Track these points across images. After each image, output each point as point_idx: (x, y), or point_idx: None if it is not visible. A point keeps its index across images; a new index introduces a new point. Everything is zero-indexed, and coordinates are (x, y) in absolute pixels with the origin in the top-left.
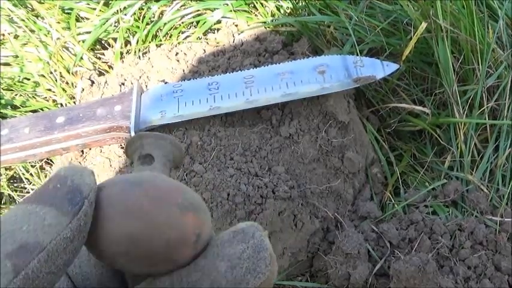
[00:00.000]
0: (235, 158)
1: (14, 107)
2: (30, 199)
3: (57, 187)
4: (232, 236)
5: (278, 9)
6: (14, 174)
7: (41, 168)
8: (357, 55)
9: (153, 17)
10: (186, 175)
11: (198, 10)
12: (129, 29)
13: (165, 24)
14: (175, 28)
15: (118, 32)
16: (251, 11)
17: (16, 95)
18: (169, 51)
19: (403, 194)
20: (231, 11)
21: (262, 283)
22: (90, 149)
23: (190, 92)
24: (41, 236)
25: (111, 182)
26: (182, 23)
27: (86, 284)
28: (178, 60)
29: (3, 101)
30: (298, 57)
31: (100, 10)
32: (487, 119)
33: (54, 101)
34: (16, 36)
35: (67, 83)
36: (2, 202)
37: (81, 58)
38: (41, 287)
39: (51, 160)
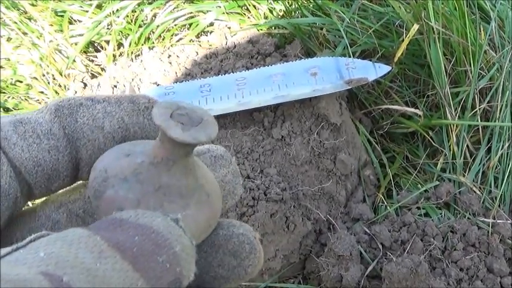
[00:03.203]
0: None
1: (7, 110)
2: (135, 258)
3: (165, 267)
4: (214, 160)
5: (271, 12)
6: None
7: None
8: (349, 57)
9: (146, 20)
10: None
11: (191, 12)
12: (121, 32)
13: (157, 26)
14: (168, 30)
15: (111, 34)
16: (244, 14)
17: (8, 97)
18: (162, 53)
19: (396, 196)
20: (223, 13)
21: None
22: None
23: (183, 94)
24: None
25: None
26: (175, 25)
27: (37, 169)
28: (170, 63)
29: None
30: (291, 59)
31: (93, 12)
32: (479, 120)
33: (46, 103)
34: (9, 39)
35: (59, 85)
36: None
37: (74, 61)
38: None
39: None
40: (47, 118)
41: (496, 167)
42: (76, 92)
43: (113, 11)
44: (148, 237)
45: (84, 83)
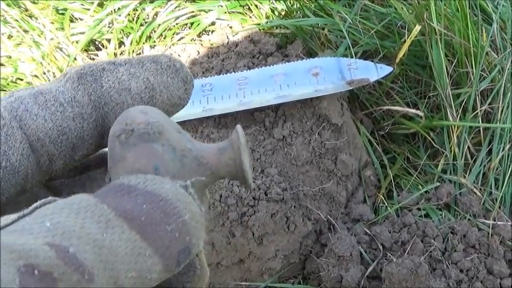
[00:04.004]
0: None
1: None
2: (143, 227)
3: (174, 236)
4: None
5: (272, 11)
6: None
7: None
8: (351, 57)
9: (147, 18)
10: None
11: (193, 11)
12: (123, 30)
13: (159, 25)
14: (170, 29)
15: (112, 32)
16: (245, 13)
17: None
18: (163, 52)
19: (396, 196)
20: (225, 12)
21: None
22: None
23: None
24: (139, 286)
25: None
26: (176, 24)
27: (62, 138)
28: None
29: None
30: (292, 59)
31: (94, 11)
32: (480, 122)
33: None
34: (10, 37)
35: None
36: None
37: (75, 59)
38: None
39: None
40: (69, 86)
41: (497, 168)
42: None
43: (114, 10)
44: (156, 205)
45: None
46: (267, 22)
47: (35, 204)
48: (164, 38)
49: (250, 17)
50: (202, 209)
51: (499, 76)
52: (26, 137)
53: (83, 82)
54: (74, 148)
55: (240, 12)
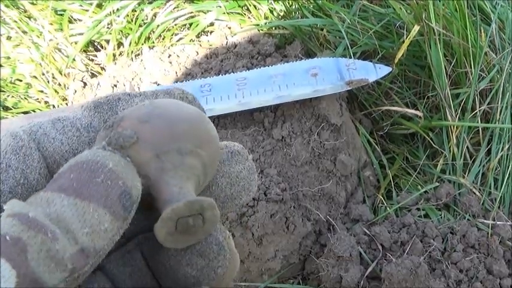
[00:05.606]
0: None
1: (6, 108)
2: (77, 190)
3: (107, 184)
4: (230, 156)
5: (271, 12)
6: None
7: None
8: (350, 58)
9: (146, 19)
10: None
11: (191, 12)
12: (121, 31)
13: (158, 26)
14: (168, 30)
15: (111, 33)
16: (244, 14)
17: (8, 96)
18: (162, 53)
19: (396, 197)
20: (224, 13)
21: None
22: None
23: None
24: (97, 241)
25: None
26: (175, 25)
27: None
28: (171, 63)
29: None
30: (291, 59)
31: (93, 12)
32: (479, 122)
33: (46, 102)
34: (8, 38)
35: (59, 84)
36: None
37: (74, 60)
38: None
39: None
40: (86, 114)
41: (496, 168)
42: (76, 91)
43: (113, 10)
44: (81, 169)
45: (84, 82)
46: (265, 23)
47: None
48: (163, 39)
49: (249, 17)
50: (127, 159)
51: (498, 76)
52: (44, 159)
53: (99, 110)
54: None
55: (238, 13)
